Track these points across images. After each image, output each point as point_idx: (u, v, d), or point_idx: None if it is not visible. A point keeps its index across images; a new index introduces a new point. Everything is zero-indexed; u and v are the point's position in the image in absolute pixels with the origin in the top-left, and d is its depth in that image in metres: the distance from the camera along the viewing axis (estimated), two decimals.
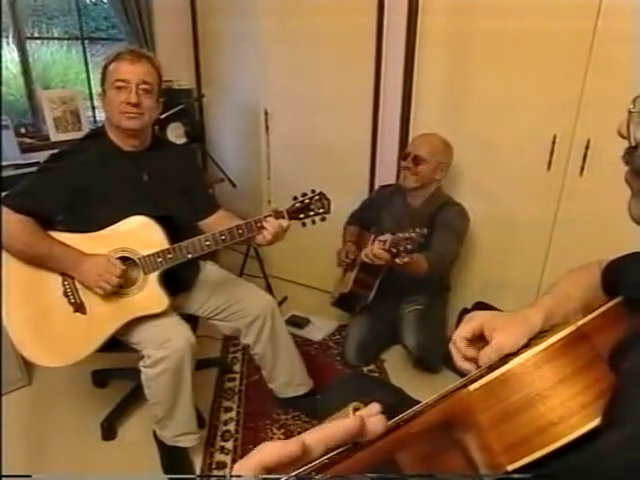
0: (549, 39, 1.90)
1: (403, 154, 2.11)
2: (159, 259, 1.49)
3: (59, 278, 1.51)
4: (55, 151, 1.55)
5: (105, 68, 1.51)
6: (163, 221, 1.54)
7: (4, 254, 1.48)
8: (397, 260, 1.65)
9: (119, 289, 1.50)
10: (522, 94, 2.02)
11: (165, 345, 1.50)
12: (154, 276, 1.52)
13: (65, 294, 1.50)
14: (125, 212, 1.52)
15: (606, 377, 0.43)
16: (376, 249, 1.67)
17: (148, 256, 1.49)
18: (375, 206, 2.27)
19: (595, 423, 0.40)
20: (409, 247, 1.61)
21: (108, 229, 1.52)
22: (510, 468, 0.42)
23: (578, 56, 1.85)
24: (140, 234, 1.53)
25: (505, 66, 2.04)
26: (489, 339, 0.65)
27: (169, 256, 1.49)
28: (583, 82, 1.87)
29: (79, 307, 1.51)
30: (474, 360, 0.67)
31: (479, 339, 0.68)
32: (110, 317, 1.51)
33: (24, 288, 1.51)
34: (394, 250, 1.63)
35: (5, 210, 1.42)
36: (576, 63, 1.86)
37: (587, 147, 1.92)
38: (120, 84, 1.47)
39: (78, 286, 1.51)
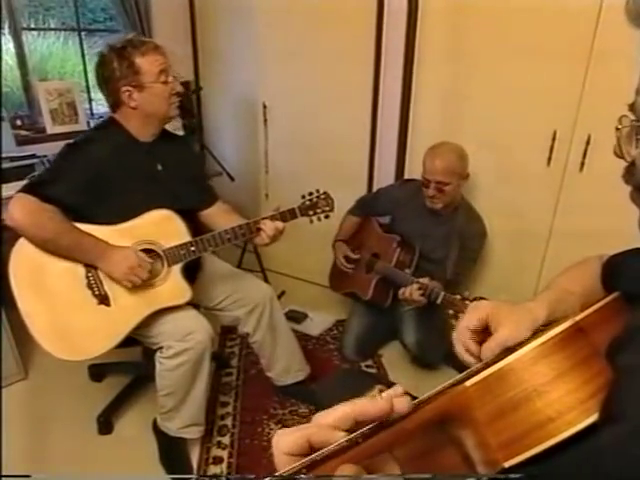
0: (550, 35, 1.88)
1: (423, 181, 2.02)
2: (182, 251, 1.52)
3: (82, 269, 1.50)
4: (71, 141, 1.54)
5: (130, 64, 1.46)
6: (176, 212, 1.56)
7: (24, 245, 1.46)
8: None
9: (143, 281, 1.50)
10: (523, 89, 2.01)
11: (188, 338, 1.52)
12: (177, 268, 1.54)
13: (89, 286, 1.50)
14: (144, 201, 1.53)
15: (604, 372, 0.42)
16: (416, 295, 1.85)
17: (171, 248, 1.52)
18: (394, 200, 2.23)
19: (593, 419, 0.40)
20: (441, 292, 1.81)
21: (131, 221, 1.52)
22: (507, 464, 0.41)
23: (579, 52, 1.84)
24: (162, 227, 1.54)
25: (506, 61, 2.02)
26: (493, 331, 0.64)
27: (192, 249, 1.53)
28: (584, 78, 1.86)
29: (103, 299, 1.50)
30: (477, 352, 0.66)
31: (482, 330, 0.67)
32: (134, 309, 1.51)
33: (46, 279, 1.49)
34: (430, 296, 1.84)
35: (33, 199, 1.41)
36: (577, 59, 1.85)
37: (587, 143, 1.92)
38: (165, 78, 1.51)
39: (102, 277, 1.50)
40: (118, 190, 1.51)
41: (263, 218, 1.58)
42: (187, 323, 1.56)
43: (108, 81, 1.49)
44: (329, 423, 0.38)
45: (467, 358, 0.68)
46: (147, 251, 1.52)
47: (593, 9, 1.77)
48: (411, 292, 1.86)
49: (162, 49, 1.54)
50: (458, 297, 1.72)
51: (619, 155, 0.52)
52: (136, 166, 1.56)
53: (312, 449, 0.37)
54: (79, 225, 1.48)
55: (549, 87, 1.94)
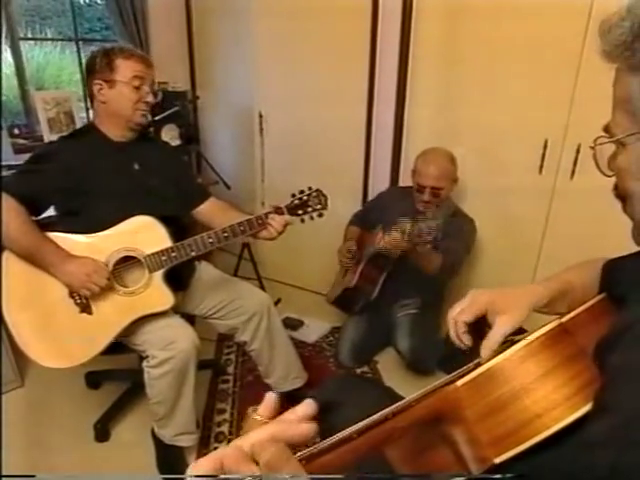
0: (540, 45, 1.92)
1: (417, 187, 2.05)
2: (163, 257, 1.51)
3: None
4: (47, 143, 1.57)
5: (110, 61, 1.54)
6: (158, 213, 1.56)
7: (10, 255, 1.48)
8: (417, 248, 1.74)
9: (125, 288, 1.51)
10: (514, 98, 2.05)
11: (170, 346, 1.51)
12: (159, 274, 1.53)
13: (71, 294, 1.50)
14: (120, 201, 1.54)
15: (588, 370, 0.44)
16: (395, 235, 1.75)
17: (152, 255, 1.51)
18: (382, 207, 2.25)
19: (579, 414, 0.42)
20: (428, 238, 1.71)
21: (111, 229, 1.53)
22: (497, 460, 0.43)
23: (569, 61, 1.87)
24: (144, 233, 1.54)
25: (498, 70, 2.06)
26: (491, 323, 0.67)
27: (173, 254, 1.52)
28: (574, 88, 1.90)
29: (85, 307, 1.50)
30: (468, 343, 0.69)
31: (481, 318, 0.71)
32: (116, 317, 1.52)
33: (29, 288, 1.50)
34: (416, 239, 1.72)
35: (4, 196, 1.44)
36: (567, 69, 1.89)
37: (578, 151, 1.95)
38: (138, 83, 1.56)
39: None
40: (89, 189, 1.54)
41: (267, 213, 1.54)
42: (170, 331, 1.55)
43: (88, 73, 1.58)
44: (245, 448, 0.36)
45: (459, 344, 0.71)
46: (128, 258, 1.53)
47: (582, 19, 1.80)
48: (391, 236, 1.81)
49: (148, 62, 1.61)
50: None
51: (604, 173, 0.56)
52: (108, 165, 1.58)
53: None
54: (58, 235, 1.51)
55: (540, 97, 1.98)
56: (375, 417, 0.41)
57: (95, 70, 1.56)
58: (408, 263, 2.00)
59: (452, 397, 0.45)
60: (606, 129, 0.55)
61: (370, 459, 0.42)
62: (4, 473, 1.43)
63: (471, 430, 0.44)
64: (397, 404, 0.45)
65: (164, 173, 1.70)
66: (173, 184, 1.72)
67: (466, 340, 0.70)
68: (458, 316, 0.72)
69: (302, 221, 1.60)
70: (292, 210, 1.57)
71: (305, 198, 1.58)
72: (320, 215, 1.60)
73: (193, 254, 1.53)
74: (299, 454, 0.37)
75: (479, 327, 0.69)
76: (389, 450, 0.46)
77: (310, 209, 1.58)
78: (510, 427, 0.43)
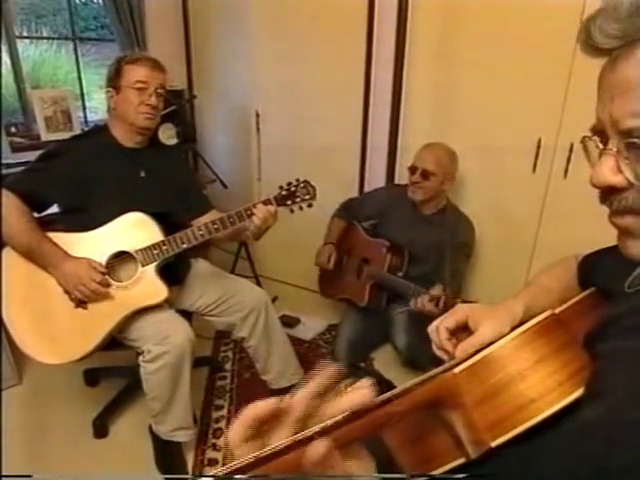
0: (534, 44, 1.95)
1: (410, 168, 2.11)
2: (155, 251, 1.54)
3: None
4: (57, 142, 1.61)
5: (118, 68, 1.59)
6: (158, 218, 1.59)
7: (7, 251, 1.51)
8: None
9: (119, 282, 1.53)
10: (509, 98, 2.08)
11: (165, 341, 1.53)
12: (152, 268, 1.56)
13: (66, 289, 1.52)
14: (122, 205, 1.56)
15: (580, 357, 0.47)
16: (429, 306, 1.85)
17: (144, 249, 1.54)
18: (380, 202, 2.28)
19: (571, 398, 0.44)
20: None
21: (105, 227, 1.56)
22: (494, 444, 0.45)
23: (562, 61, 1.90)
24: (136, 230, 1.57)
25: (491, 70, 2.09)
26: (473, 331, 0.69)
27: (164, 247, 1.55)
28: (567, 87, 1.93)
29: (80, 302, 1.52)
30: (451, 352, 0.71)
31: (462, 329, 0.72)
32: (111, 311, 1.54)
33: (26, 284, 1.52)
34: (446, 305, 1.83)
35: (6, 193, 1.47)
36: (560, 68, 1.92)
37: (570, 151, 1.98)
38: (140, 85, 1.58)
39: None
40: (93, 191, 1.56)
41: (255, 204, 1.56)
42: (165, 326, 1.57)
43: (106, 82, 1.63)
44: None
45: (440, 354, 0.73)
46: (120, 253, 1.55)
47: (575, 19, 1.82)
48: (423, 304, 1.88)
49: (155, 66, 1.62)
50: (459, 301, 1.77)
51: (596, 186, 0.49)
52: (114, 169, 1.61)
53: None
54: (54, 234, 1.53)
55: (533, 96, 2.00)
56: (374, 401, 0.42)
57: (108, 78, 1.61)
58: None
59: (450, 384, 0.47)
60: (598, 127, 0.48)
61: (368, 442, 0.44)
62: (2, 470, 1.44)
63: (468, 415, 0.46)
64: (395, 390, 0.46)
65: (169, 183, 1.73)
66: (176, 194, 1.74)
67: (447, 346, 0.72)
68: (439, 323, 0.74)
69: (291, 211, 1.61)
70: (280, 201, 1.58)
71: (293, 189, 1.59)
72: (309, 205, 1.61)
73: (184, 246, 1.56)
74: (296, 436, 0.38)
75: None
76: (387, 434, 0.48)
77: (299, 199, 1.59)
78: (506, 411, 0.45)
